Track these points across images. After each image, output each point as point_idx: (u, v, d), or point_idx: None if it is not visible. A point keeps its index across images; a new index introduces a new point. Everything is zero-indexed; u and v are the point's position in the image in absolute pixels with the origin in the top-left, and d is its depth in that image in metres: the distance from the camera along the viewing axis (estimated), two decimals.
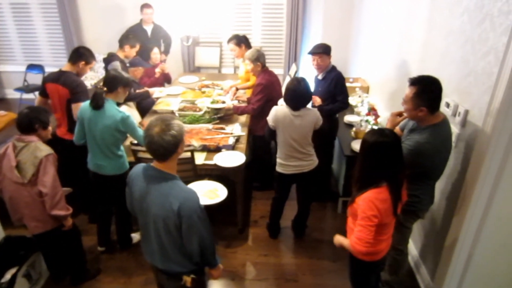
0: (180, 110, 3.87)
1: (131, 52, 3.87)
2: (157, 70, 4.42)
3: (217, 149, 3.17)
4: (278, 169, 3.04)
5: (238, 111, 3.69)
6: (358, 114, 3.96)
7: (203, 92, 4.40)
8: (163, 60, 4.74)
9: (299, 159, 2.94)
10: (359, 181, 1.97)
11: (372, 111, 3.88)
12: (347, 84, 4.48)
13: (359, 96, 4.26)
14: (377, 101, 4.13)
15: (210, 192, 2.71)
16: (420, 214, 2.39)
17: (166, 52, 5.33)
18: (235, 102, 4.00)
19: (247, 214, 3.67)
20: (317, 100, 3.40)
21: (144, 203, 1.83)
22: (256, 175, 4.11)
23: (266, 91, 3.52)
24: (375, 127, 3.27)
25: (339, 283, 2.90)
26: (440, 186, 2.57)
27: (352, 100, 4.20)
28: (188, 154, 2.84)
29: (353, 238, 1.91)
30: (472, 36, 2.26)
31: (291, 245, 3.34)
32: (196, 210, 1.78)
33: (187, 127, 3.49)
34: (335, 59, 4.98)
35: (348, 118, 3.90)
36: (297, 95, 2.80)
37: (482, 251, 2.38)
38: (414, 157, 2.11)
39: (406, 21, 3.38)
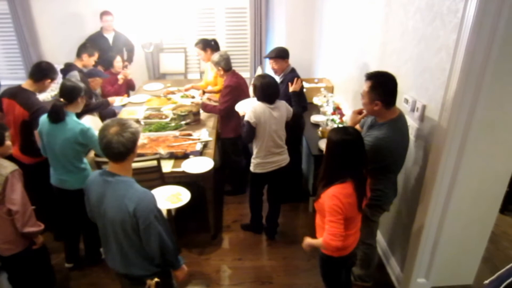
0: (146, 118, 3.80)
1: (89, 61, 3.77)
2: (120, 76, 4.34)
3: (185, 156, 3.13)
4: (256, 170, 3.07)
5: (206, 108, 3.72)
6: (324, 113, 4.02)
7: (169, 99, 4.35)
8: (125, 67, 4.65)
9: (277, 154, 3.04)
10: (325, 178, 2.02)
11: (337, 110, 3.96)
12: (312, 85, 4.62)
13: (324, 96, 4.33)
14: (341, 101, 4.21)
15: (173, 197, 2.74)
16: (385, 207, 2.47)
17: (129, 60, 5.23)
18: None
19: (220, 219, 3.65)
20: None
21: (101, 207, 1.81)
22: (227, 179, 4.10)
23: (233, 93, 3.53)
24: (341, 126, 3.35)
25: (313, 281, 2.93)
26: (404, 179, 2.67)
27: (317, 100, 4.28)
28: (155, 163, 2.80)
29: (326, 236, 1.94)
30: (425, 34, 2.35)
31: (265, 247, 3.35)
32: (152, 210, 1.77)
33: (153, 135, 3.44)
34: (300, 61, 5.05)
35: (314, 118, 3.96)
36: (270, 88, 2.89)
37: (446, 239, 2.48)
38: (375, 152, 2.17)
39: (364, 22, 3.48)
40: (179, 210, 3.10)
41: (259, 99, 2.93)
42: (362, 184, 2.03)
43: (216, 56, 3.57)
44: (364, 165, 2.02)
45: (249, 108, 2.96)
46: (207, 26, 5.79)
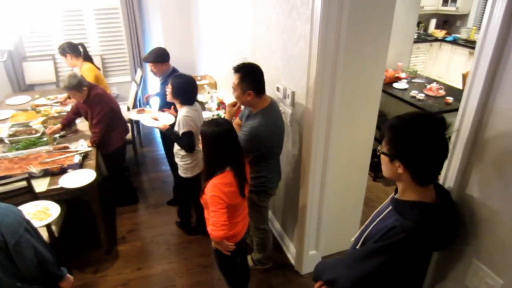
0: (12, 136, 3.38)
1: None
2: None
3: (62, 171, 2.88)
4: (194, 173, 2.96)
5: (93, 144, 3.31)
6: (210, 110, 4.07)
7: (38, 112, 3.94)
8: None
9: None
10: (206, 171, 2.06)
11: (221, 105, 4.04)
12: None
13: (208, 93, 4.38)
14: (224, 95, 4.31)
15: (40, 213, 2.40)
16: (271, 191, 2.60)
17: None
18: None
19: (113, 232, 3.45)
20: None
21: None
22: (116, 189, 3.88)
23: (105, 109, 3.27)
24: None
25: (216, 274, 2.95)
26: (287, 162, 2.84)
27: (202, 97, 4.30)
28: (24, 183, 2.51)
29: (209, 226, 1.98)
30: (286, 26, 2.53)
31: (164, 251, 3.27)
32: (20, 222, 1.62)
33: (22, 153, 3.08)
34: (182, 59, 5.01)
35: None
36: (190, 88, 2.81)
37: (328, 210, 2.72)
38: (252, 141, 2.28)
39: (236, 17, 3.60)
40: (65, 229, 2.86)
41: (185, 103, 2.81)
42: (242, 170, 2.10)
43: (71, 80, 3.07)
44: (240, 152, 2.10)
45: (185, 116, 2.76)
46: (75, 29, 5.37)
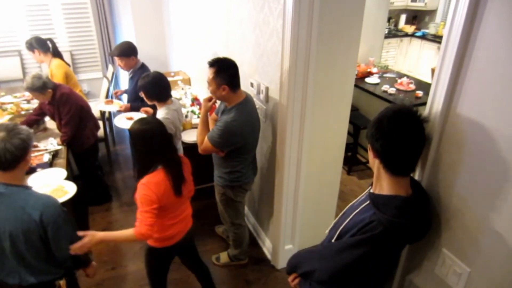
0: None
1: None
2: None
3: (31, 170, 2.78)
4: None
5: (63, 143, 3.22)
6: (184, 106, 4.02)
7: (4, 110, 3.79)
8: None
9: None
10: (137, 170, 2.01)
11: (195, 101, 4.00)
12: (169, 79, 4.55)
13: (182, 89, 4.32)
14: (199, 92, 4.27)
15: (56, 192, 2.47)
16: (246, 186, 2.61)
17: None
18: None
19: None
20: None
21: None
22: (89, 187, 3.79)
23: (73, 108, 3.17)
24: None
25: None
26: (262, 157, 2.85)
27: (175, 93, 4.24)
28: None
29: (136, 224, 1.91)
30: (258, 21, 2.52)
31: (138, 249, 3.19)
32: (60, 214, 1.74)
33: None
34: (154, 55, 4.93)
35: None
36: (159, 83, 2.73)
37: (303, 204, 2.75)
38: (226, 136, 2.27)
39: (208, 13, 3.57)
40: None
41: (161, 100, 2.75)
42: (175, 169, 2.01)
43: (34, 81, 2.95)
44: (172, 151, 2.03)
45: (165, 115, 2.69)
46: (42, 24, 5.19)
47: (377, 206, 1.29)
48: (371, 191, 1.41)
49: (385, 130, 1.27)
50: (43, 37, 3.84)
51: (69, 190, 2.50)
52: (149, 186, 1.90)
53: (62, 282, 1.90)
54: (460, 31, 1.23)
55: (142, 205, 1.90)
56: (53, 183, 2.56)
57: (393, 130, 1.26)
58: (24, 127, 1.74)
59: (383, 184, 1.34)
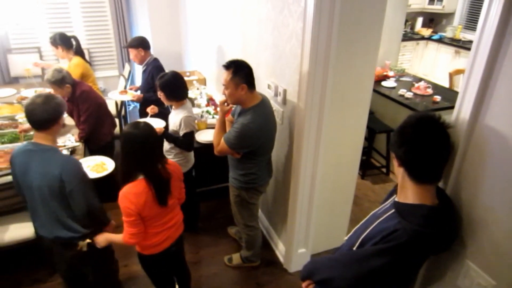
0: None
1: None
2: None
3: None
4: (187, 168, 2.92)
5: (80, 140, 3.27)
6: (199, 106, 4.03)
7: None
8: None
9: None
10: (121, 176, 1.91)
11: (210, 101, 4.00)
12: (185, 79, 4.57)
13: (197, 89, 4.33)
14: (214, 92, 4.28)
15: (97, 166, 2.74)
16: (261, 188, 2.59)
17: None
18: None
19: None
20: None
21: (27, 177, 1.95)
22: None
23: (92, 106, 3.22)
24: (216, 117, 3.38)
25: (204, 271, 2.94)
26: (277, 159, 2.84)
27: (191, 93, 4.25)
28: (10, 178, 2.44)
29: (123, 233, 1.93)
30: (277, 23, 2.51)
31: None
32: (78, 172, 1.98)
33: (7, 147, 3.01)
34: (170, 54, 4.94)
35: None
36: (177, 82, 2.74)
37: (318, 208, 2.73)
38: (242, 138, 2.26)
39: (225, 14, 3.57)
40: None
41: (180, 99, 2.76)
42: (158, 180, 1.90)
43: (55, 74, 3.02)
44: (157, 160, 1.93)
45: (184, 117, 2.69)
46: (61, 22, 5.27)
47: (402, 215, 1.27)
48: (396, 199, 1.38)
49: (408, 136, 1.26)
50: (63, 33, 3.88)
51: (108, 167, 2.75)
52: (128, 197, 1.83)
53: (84, 243, 2.09)
54: (491, 37, 1.20)
55: (123, 215, 1.86)
56: (97, 159, 2.87)
57: (416, 136, 1.25)
58: (58, 96, 2.01)
59: (407, 192, 1.31)
